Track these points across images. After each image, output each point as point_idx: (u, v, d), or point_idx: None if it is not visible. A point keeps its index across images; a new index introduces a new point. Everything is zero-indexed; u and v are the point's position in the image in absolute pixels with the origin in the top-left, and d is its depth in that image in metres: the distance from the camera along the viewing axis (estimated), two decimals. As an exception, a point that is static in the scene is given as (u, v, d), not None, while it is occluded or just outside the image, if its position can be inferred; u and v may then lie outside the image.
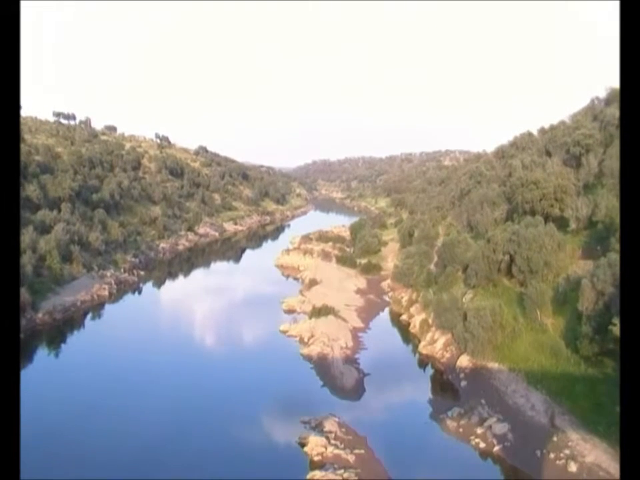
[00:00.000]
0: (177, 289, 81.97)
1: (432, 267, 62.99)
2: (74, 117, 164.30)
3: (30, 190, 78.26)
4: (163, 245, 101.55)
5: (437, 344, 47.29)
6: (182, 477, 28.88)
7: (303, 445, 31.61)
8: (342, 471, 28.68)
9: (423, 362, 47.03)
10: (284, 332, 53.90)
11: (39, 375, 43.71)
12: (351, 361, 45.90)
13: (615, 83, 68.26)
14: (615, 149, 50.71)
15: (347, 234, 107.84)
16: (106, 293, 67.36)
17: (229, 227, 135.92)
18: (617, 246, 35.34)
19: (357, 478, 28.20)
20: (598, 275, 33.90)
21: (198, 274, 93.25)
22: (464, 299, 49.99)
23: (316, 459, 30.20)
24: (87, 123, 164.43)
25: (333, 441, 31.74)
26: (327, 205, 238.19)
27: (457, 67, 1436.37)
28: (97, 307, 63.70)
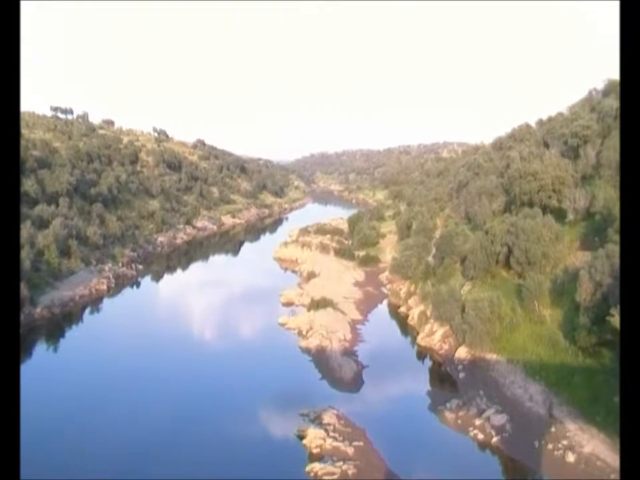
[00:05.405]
0: (175, 282, 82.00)
1: (430, 258, 63.02)
2: (71, 112, 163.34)
3: (28, 185, 78.07)
4: (161, 238, 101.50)
5: (435, 336, 47.45)
6: (180, 469, 28.99)
7: (301, 437, 31.76)
8: (341, 462, 28.85)
9: (422, 354, 47.20)
10: (282, 324, 54.01)
11: (38, 369, 43.76)
12: (349, 353, 46.04)
13: (613, 75, 68.16)
14: (612, 140, 50.65)
15: (345, 226, 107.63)
16: (104, 287, 67.46)
17: (227, 220, 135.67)
18: (615, 237, 35.39)
19: (355, 470, 28.38)
20: (596, 266, 33.96)
21: (196, 267, 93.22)
22: (462, 291, 50.10)
23: (315, 451, 30.36)
24: (84, 117, 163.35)
25: (331, 433, 31.90)
26: (325, 198, 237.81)
27: (454, 58, 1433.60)
28: (95, 301, 63.76)
